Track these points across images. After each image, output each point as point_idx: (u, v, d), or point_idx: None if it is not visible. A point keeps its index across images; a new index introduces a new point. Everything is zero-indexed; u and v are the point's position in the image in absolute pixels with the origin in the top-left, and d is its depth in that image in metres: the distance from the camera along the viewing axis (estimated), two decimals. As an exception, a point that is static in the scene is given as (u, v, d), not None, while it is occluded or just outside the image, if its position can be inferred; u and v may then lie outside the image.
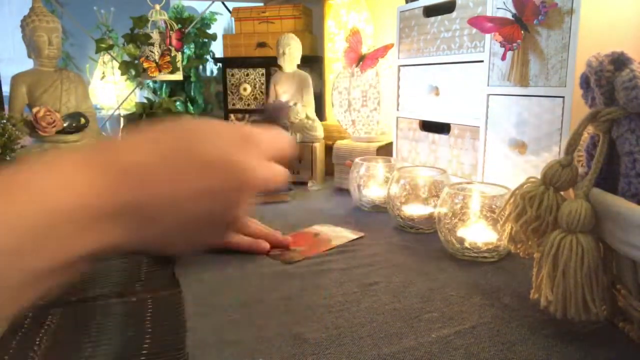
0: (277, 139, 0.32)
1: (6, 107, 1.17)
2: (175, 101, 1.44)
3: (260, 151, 0.29)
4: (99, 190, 0.23)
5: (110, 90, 1.85)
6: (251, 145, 0.28)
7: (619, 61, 0.39)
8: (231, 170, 0.27)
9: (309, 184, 1.03)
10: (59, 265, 0.23)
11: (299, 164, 1.07)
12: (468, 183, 0.67)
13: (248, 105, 1.37)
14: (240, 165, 0.27)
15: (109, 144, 0.27)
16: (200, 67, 1.96)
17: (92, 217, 0.23)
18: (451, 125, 0.82)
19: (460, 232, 0.60)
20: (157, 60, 1.27)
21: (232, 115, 1.38)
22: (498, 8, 0.67)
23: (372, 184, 0.84)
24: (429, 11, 0.86)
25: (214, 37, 1.70)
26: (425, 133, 0.88)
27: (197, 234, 0.29)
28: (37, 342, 0.40)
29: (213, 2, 1.64)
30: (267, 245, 0.62)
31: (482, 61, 0.72)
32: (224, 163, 0.27)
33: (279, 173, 0.32)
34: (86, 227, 0.23)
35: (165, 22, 1.29)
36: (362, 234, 0.70)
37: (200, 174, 0.26)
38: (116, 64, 1.65)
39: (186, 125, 0.28)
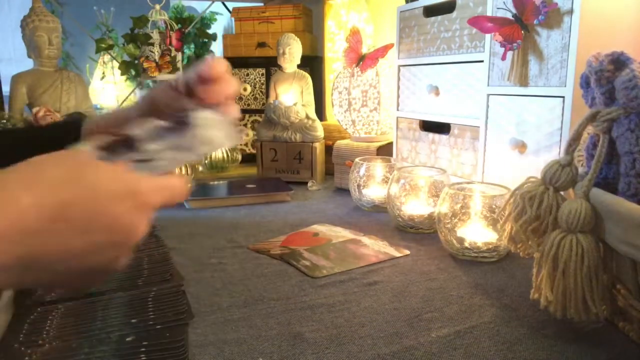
0: (165, 188, 0.31)
1: (6, 107, 1.18)
2: (175, 101, 1.44)
3: (145, 205, 0.30)
4: None
5: (110, 90, 1.85)
6: (137, 200, 0.29)
7: (619, 61, 0.39)
8: (116, 231, 0.28)
9: (309, 184, 1.03)
10: None
11: (299, 164, 1.07)
12: (468, 183, 0.67)
13: (248, 105, 1.37)
14: (125, 226, 0.28)
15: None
16: (200, 67, 1.96)
17: None
18: (451, 125, 0.82)
19: (460, 232, 0.60)
20: (157, 60, 1.27)
21: (232, 115, 1.38)
22: (498, 8, 0.67)
23: (372, 184, 0.84)
24: (429, 11, 0.86)
25: (214, 37, 1.70)
26: (425, 133, 0.88)
27: (79, 282, 0.30)
28: (44, 334, 0.40)
29: (213, 2, 1.64)
30: None
31: (482, 61, 0.72)
32: (110, 224, 0.28)
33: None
34: None
35: (165, 22, 1.29)
36: (361, 234, 0.70)
37: (87, 235, 0.27)
38: (116, 64, 1.65)
39: (72, 175, 0.28)
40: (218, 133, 0.33)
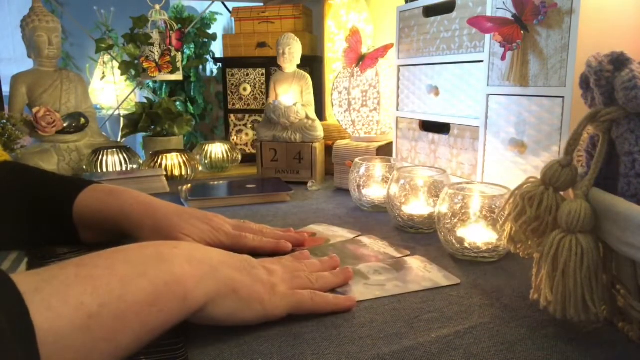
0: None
1: (6, 107, 1.18)
2: (175, 101, 1.44)
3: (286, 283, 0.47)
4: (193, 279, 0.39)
5: (110, 90, 1.85)
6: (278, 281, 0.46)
7: (619, 61, 0.39)
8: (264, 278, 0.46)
9: (309, 184, 1.04)
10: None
11: (299, 164, 1.07)
12: (468, 183, 0.67)
13: (248, 105, 1.37)
14: (265, 286, 0.46)
15: (205, 251, 0.44)
16: (200, 67, 1.96)
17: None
18: (451, 125, 0.82)
19: (460, 232, 0.60)
20: (157, 60, 1.27)
21: (232, 116, 1.38)
22: (498, 8, 0.67)
23: (372, 184, 0.84)
24: (429, 11, 0.86)
25: (214, 37, 1.70)
26: (425, 133, 0.88)
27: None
28: None
29: (213, 2, 1.64)
30: (289, 245, 0.62)
31: (482, 61, 0.72)
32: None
33: None
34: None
35: (165, 22, 1.29)
36: (358, 233, 0.70)
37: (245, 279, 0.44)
38: (116, 64, 1.66)
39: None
40: None
